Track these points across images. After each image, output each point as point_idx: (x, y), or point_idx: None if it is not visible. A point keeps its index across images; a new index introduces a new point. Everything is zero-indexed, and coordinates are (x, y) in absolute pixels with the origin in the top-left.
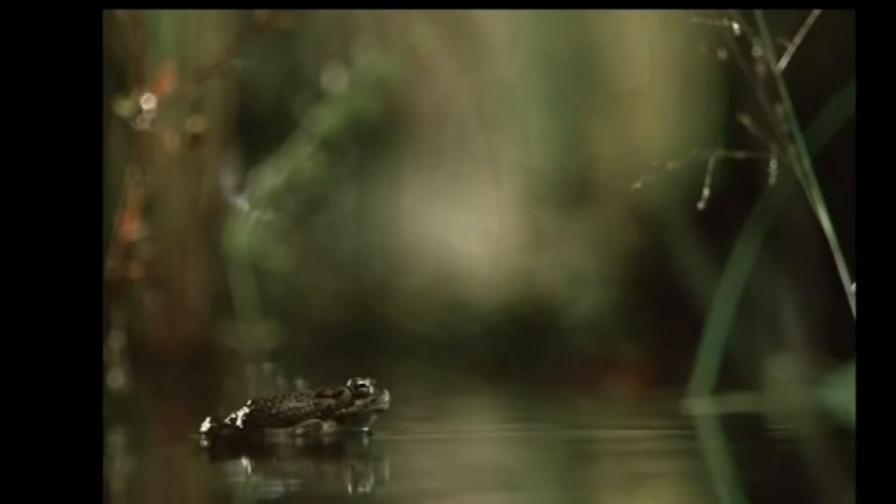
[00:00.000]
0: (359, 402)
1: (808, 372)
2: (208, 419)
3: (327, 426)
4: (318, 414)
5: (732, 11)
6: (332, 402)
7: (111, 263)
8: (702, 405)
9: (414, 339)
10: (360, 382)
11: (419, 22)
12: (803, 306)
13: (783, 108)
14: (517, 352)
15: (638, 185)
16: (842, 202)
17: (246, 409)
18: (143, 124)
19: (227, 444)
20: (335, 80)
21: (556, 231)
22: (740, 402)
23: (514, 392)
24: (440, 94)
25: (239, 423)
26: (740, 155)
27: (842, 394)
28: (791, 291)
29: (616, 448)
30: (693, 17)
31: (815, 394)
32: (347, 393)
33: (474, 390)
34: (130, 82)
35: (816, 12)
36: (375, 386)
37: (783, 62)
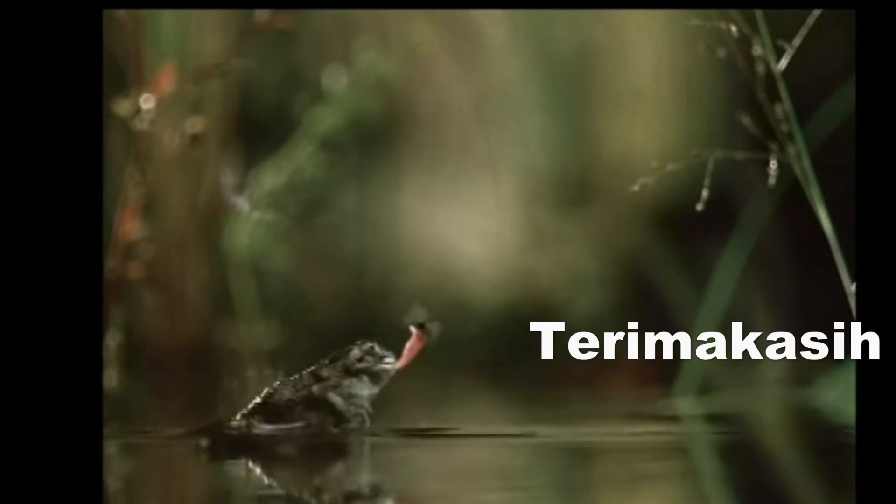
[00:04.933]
0: (369, 359)
1: (805, 372)
2: (210, 423)
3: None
4: (327, 384)
5: (732, 12)
6: (341, 363)
7: (111, 263)
8: (689, 405)
9: None
10: (369, 345)
11: (419, 22)
12: (802, 306)
13: (783, 108)
14: (517, 352)
15: (636, 187)
16: (842, 202)
17: (258, 401)
18: (141, 124)
19: (228, 444)
20: (335, 80)
21: (556, 231)
22: (736, 402)
23: (513, 392)
24: (440, 94)
25: (245, 421)
26: (740, 155)
27: (835, 393)
28: (790, 291)
29: (616, 448)
30: (693, 18)
31: (809, 393)
32: (356, 350)
33: (474, 390)
34: (130, 82)
35: (816, 12)
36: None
37: (783, 62)
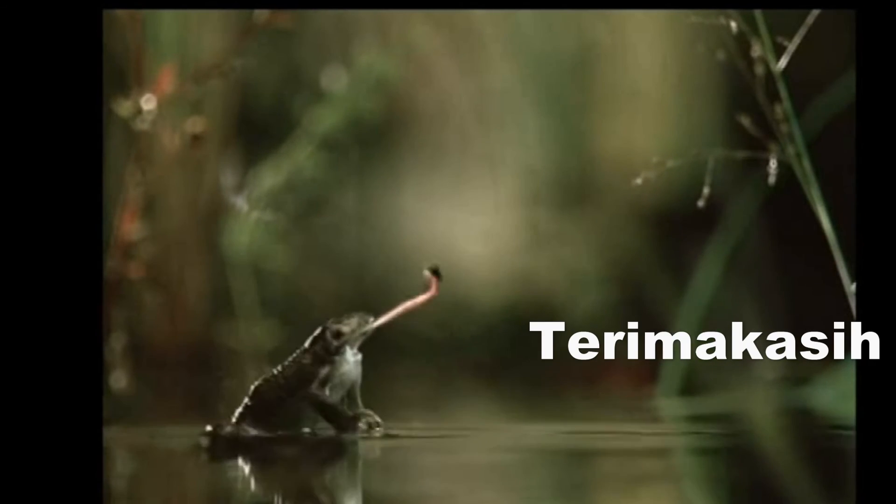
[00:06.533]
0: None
1: (801, 372)
2: (209, 427)
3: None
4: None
5: (731, 11)
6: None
7: (111, 263)
8: (688, 405)
9: (414, 339)
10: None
11: (419, 22)
12: (801, 306)
13: (783, 108)
14: (517, 352)
15: (639, 181)
16: (842, 202)
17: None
18: (142, 124)
19: (227, 444)
20: (335, 80)
21: (556, 231)
22: (733, 402)
23: (513, 392)
24: (440, 94)
25: (236, 427)
26: (740, 155)
27: (832, 394)
28: (789, 291)
29: (615, 448)
30: (692, 16)
31: (806, 394)
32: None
33: (474, 390)
34: (130, 82)
35: (816, 12)
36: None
37: (783, 62)
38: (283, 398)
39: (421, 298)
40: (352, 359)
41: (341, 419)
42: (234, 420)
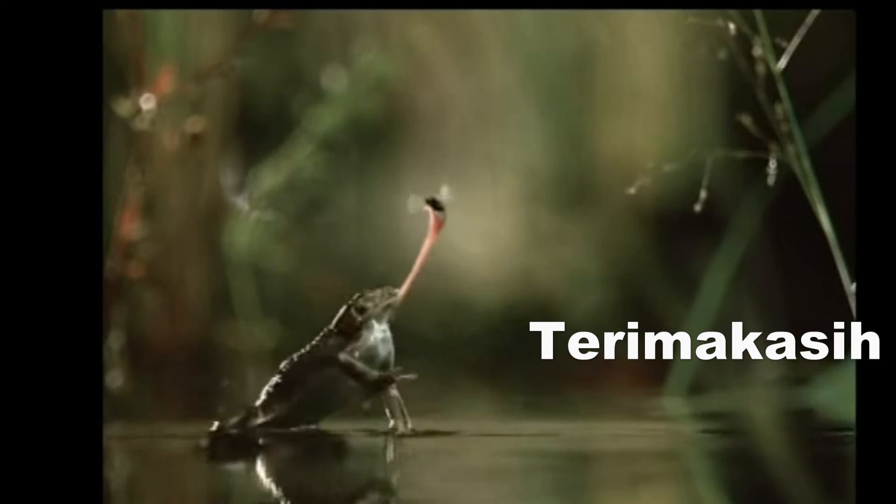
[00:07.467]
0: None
1: (800, 372)
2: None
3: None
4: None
5: (731, 11)
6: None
7: (111, 263)
8: (687, 406)
9: (414, 339)
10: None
11: (419, 22)
12: (802, 306)
13: (783, 108)
14: (517, 352)
15: (632, 190)
16: (842, 202)
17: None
18: (142, 124)
19: (228, 444)
20: (335, 80)
21: (556, 231)
22: (733, 402)
23: (513, 392)
24: (440, 94)
25: (264, 411)
26: (740, 155)
27: (831, 393)
28: (789, 291)
29: (616, 449)
30: (690, 17)
31: (805, 393)
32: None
33: (474, 390)
34: (130, 82)
35: (816, 12)
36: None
37: (783, 62)
38: (311, 374)
39: (428, 243)
40: (380, 334)
41: (369, 380)
42: (260, 401)
